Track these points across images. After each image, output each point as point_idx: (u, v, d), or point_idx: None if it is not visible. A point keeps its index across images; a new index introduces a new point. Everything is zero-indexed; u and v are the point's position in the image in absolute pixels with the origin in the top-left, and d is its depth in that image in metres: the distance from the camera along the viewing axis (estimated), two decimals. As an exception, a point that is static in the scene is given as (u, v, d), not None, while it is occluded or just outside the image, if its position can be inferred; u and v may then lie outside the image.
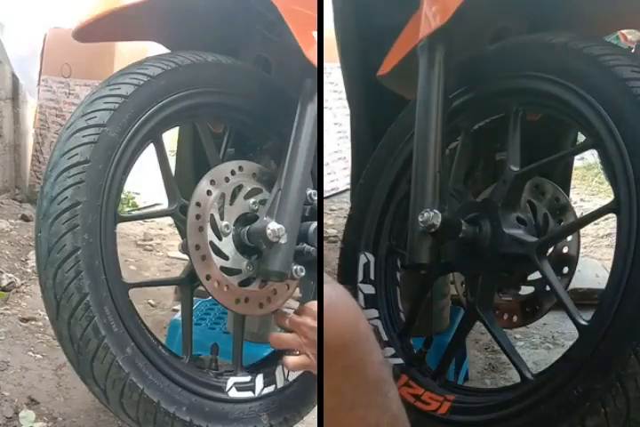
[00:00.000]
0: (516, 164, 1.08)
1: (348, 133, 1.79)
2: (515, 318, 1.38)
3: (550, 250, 1.31)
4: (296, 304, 1.36)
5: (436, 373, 1.13)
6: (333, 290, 0.61)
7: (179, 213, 1.09)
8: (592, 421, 0.83)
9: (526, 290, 1.38)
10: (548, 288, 1.35)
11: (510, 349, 1.03)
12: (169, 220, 1.34)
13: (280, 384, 1.15)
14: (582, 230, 2.57)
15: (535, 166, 1.08)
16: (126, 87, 1.01)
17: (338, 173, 3.47)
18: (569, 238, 1.36)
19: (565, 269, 1.36)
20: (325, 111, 3.26)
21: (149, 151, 1.09)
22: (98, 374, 0.93)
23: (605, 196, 3.03)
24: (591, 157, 3.49)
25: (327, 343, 0.58)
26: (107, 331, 0.93)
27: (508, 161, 1.08)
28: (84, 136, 0.96)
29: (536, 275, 1.35)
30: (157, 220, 2.89)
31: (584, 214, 1.09)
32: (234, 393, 1.08)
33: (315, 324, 0.97)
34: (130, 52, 2.66)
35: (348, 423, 0.60)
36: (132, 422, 0.98)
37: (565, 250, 1.36)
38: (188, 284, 1.12)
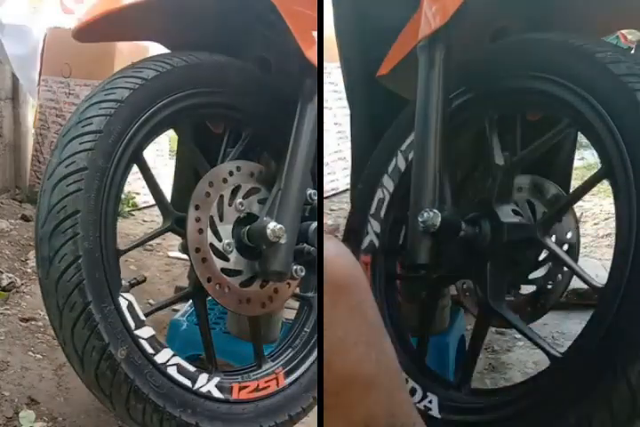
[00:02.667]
0: (499, 159, 1.09)
1: (348, 133, 1.79)
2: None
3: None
4: (296, 304, 1.36)
5: (459, 382, 1.12)
6: (334, 245, 0.71)
7: (176, 228, 1.09)
8: (599, 414, 0.84)
9: (527, 289, 1.38)
10: (549, 286, 1.36)
11: (531, 333, 1.04)
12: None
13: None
14: (582, 230, 2.57)
15: (519, 157, 1.10)
16: (121, 91, 1.01)
17: (338, 173, 3.47)
18: (569, 235, 1.37)
19: (565, 269, 1.36)
20: (325, 111, 3.26)
21: (149, 150, 1.09)
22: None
23: (605, 195, 3.03)
24: (591, 156, 3.49)
25: (337, 283, 0.66)
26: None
27: (492, 157, 1.10)
28: (80, 143, 0.97)
29: (536, 274, 1.35)
30: (158, 220, 2.89)
31: (577, 186, 1.10)
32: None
33: None
34: (130, 52, 2.66)
35: (352, 356, 0.65)
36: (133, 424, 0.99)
37: (565, 247, 1.36)
38: (198, 296, 1.12)
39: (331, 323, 0.64)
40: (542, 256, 1.35)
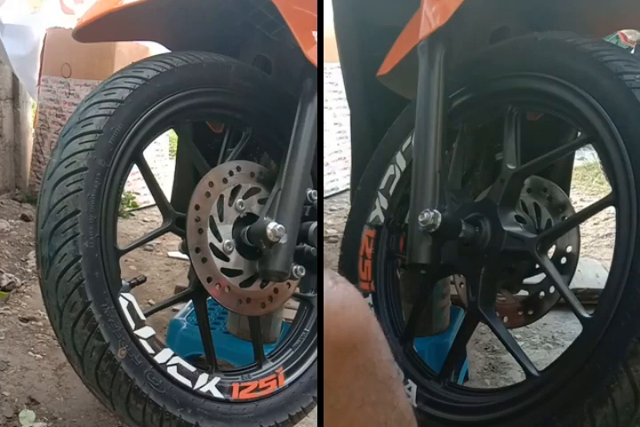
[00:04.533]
0: (512, 162, 1.08)
1: (348, 133, 1.79)
2: (512, 320, 1.38)
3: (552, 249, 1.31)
4: (296, 304, 1.36)
5: (440, 375, 1.13)
6: (345, 290, 0.63)
7: (176, 228, 1.09)
8: (600, 412, 0.84)
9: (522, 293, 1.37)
10: (542, 294, 1.35)
11: (514, 346, 1.03)
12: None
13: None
14: (582, 230, 2.57)
15: (532, 164, 1.08)
16: (121, 91, 1.01)
17: (338, 173, 3.47)
18: (569, 249, 1.36)
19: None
20: (325, 111, 3.26)
21: (149, 150, 1.09)
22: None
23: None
24: (591, 157, 3.49)
25: (339, 344, 0.59)
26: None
27: (504, 160, 1.09)
28: (80, 143, 0.97)
29: (531, 279, 1.34)
30: (158, 220, 2.89)
31: (583, 208, 1.09)
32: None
33: None
34: (130, 52, 2.66)
35: (357, 421, 0.61)
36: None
37: (564, 260, 1.35)
38: (199, 296, 1.13)
39: (333, 388, 0.60)
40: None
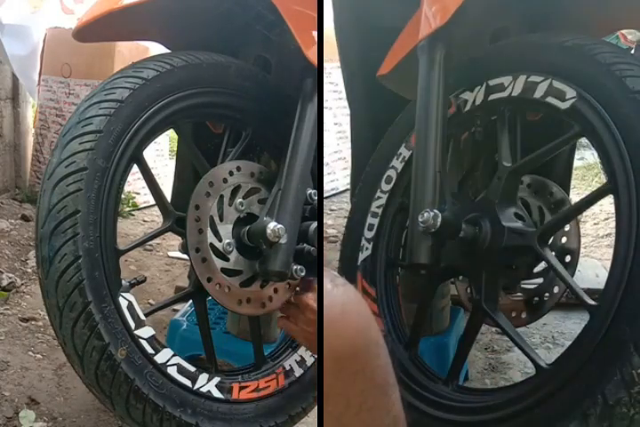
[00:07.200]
0: (507, 160, 1.08)
1: (348, 133, 1.79)
2: (515, 319, 1.38)
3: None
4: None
5: (448, 377, 1.12)
6: (345, 294, 0.61)
7: (176, 228, 1.09)
8: (615, 396, 0.83)
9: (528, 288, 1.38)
10: (546, 297, 1.35)
11: (522, 341, 1.04)
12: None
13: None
14: (582, 230, 2.57)
15: (527, 160, 1.08)
16: (121, 91, 1.01)
17: (338, 173, 3.47)
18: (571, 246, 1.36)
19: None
20: (325, 111, 3.26)
21: (149, 150, 1.09)
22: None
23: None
24: (591, 157, 3.49)
25: (338, 352, 0.58)
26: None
27: (499, 158, 1.09)
28: (80, 143, 0.97)
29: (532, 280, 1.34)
30: (158, 220, 2.89)
31: (579, 199, 1.09)
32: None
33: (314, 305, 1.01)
34: (130, 52, 2.66)
35: None
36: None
37: (568, 259, 1.36)
38: (198, 296, 1.13)
39: (330, 394, 0.59)
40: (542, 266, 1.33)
